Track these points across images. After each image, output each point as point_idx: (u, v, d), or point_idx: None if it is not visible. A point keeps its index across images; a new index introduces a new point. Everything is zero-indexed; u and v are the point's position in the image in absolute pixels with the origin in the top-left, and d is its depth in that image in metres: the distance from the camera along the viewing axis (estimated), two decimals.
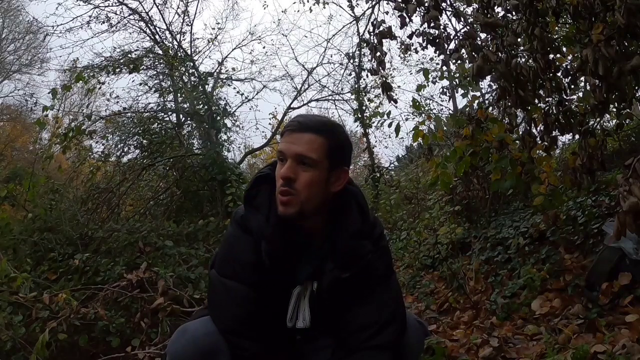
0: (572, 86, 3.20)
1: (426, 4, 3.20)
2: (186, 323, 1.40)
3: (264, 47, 12.07)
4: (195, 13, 10.31)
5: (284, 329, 1.37)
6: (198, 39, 10.49)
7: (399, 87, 9.66)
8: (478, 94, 5.03)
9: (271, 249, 1.32)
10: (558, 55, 3.05)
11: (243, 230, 1.37)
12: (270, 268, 1.32)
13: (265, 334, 1.33)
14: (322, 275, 1.36)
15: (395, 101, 4.12)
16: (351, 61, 9.27)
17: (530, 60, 3.01)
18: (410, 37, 3.89)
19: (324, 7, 9.10)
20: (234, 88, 9.56)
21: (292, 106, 10.22)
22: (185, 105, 7.92)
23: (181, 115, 8.24)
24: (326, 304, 1.37)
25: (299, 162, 1.28)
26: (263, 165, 1.58)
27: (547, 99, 3.14)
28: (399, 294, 1.48)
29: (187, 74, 8.10)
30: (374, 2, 6.68)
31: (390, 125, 4.05)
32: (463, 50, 3.39)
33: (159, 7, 8.53)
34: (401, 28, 3.73)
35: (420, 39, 3.72)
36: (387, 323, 1.35)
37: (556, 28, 3.48)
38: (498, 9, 3.05)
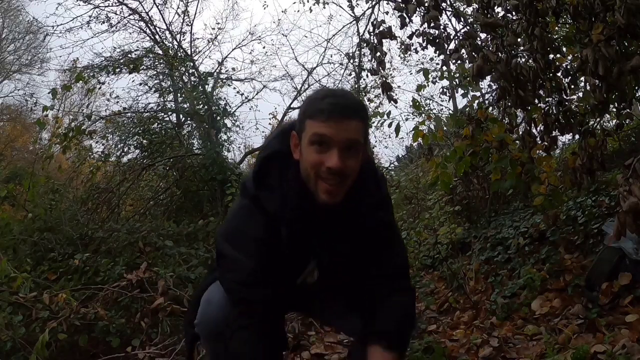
0: (572, 86, 3.20)
1: (426, 4, 3.20)
2: (206, 293, 1.45)
3: (264, 47, 12.02)
4: (195, 13, 10.33)
5: (291, 286, 1.41)
6: (198, 39, 10.51)
7: (399, 87, 9.66)
8: (478, 94, 5.03)
9: (291, 231, 1.31)
10: (558, 55, 3.05)
11: (256, 206, 1.35)
12: (287, 247, 1.32)
13: (273, 291, 1.34)
14: (337, 246, 1.37)
15: (395, 101, 4.12)
16: (351, 61, 9.26)
17: (530, 60, 3.01)
18: (410, 37, 3.90)
19: (324, 7, 9.10)
20: (234, 88, 9.54)
21: (292, 106, 10.22)
22: (185, 105, 7.92)
23: (181, 115, 8.25)
24: (339, 268, 1.41)
25: (347, 149, 1.24)
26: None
27: (547, 99, 3.15)
28: (401, 237, 1.60)
29: (187, 74, 8.11)
30: (374, 2, 6.68)
31: (390, 125, 4.05)
32: (463, 50, 3.39)
33: (159, 7, 8.54)
34: (401, 28, 3.74)
35: (420, 39, 3.72)
36: (404, 266, 1.48)
37: (556, 28, 3.49)
38: (498, 9, 3.05)
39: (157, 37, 8.57)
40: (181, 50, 8.40)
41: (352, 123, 1.24)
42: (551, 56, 2.98)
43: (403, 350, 1.41)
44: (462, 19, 4.19)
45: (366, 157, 1.35)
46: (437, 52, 3.86)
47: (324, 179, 1.24)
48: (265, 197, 1.34)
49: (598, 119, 3.24)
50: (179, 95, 8.21)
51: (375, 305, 1.39)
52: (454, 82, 5.43)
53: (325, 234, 1.36)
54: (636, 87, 3.31)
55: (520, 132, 3.33)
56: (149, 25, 8.58)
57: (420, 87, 6.83)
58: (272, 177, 1.33)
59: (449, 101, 7.82)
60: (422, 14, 3.31)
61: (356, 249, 1.39)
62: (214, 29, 9.93)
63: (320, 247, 1.38)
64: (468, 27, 3.71)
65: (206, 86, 8.06)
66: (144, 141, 7.51)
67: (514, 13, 2.97)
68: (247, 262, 1.32)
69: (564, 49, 3.22)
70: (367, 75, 8.66)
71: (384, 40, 3.78)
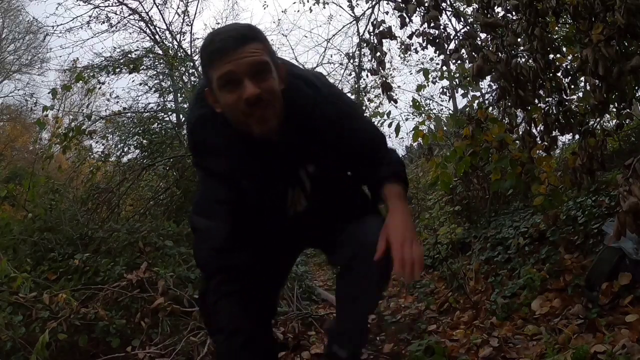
0: (572, 86, 3.20)
1: (426, 4, 3.20)
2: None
3: None
4: (195, 13, 10.38)
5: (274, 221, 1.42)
6: (198, 39, 10.47)
7: (399, 87, 9.71)
8: (478, 94, 5.04)
9: (251, 176, 1.33)
10: (558, 55, 3.05)
11: (206, 173, 1.40)
12: (255, 192, 1.33)
13: (254, 252, 1.33)
14: (306, 165, 1.38)
15: (395, 101, 4.13)
16: (351, 61, 9.28)
17: (530, 60, 3.01)
18: (410, 37, 3.90)
19: (324, 7, 9.12)
20: None
21: None
22: (185, 105, 7.92)
23: (181, 115, 8.23)
24: (324, 181, 1.41)
25: (255, 74, 1.19)
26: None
27: (547, 99, 3.15)
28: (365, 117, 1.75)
29: (187, 74, 8.10)
30: (374, 2, 6.68)
31: (390, 125, 4.05)
32: (463, 50, 3.39)
33: (159, 7, 8.56)
34: (401, 28, 3.75)
35: (420, 39, 3.72)
36: (378, 140, 1.52)
37: (556, 28, 3.49)
38: (498, 9, 3.05)
39: (157, 37, 8.58)
40: (181, 50, 8.41)
41: (247, 48, 1.19)
42: (551, 56, 2.98)
43: (406, 184, 1.49)
44: (462, 19, 4.19)
45: (285, 72, 1.30)
46: (437, 52, 3.86)
47: (249, 114, 1.20)
48: (213, 161, 1.34)
49: (598, 119, 3.24)
50: (179, 95, 8.21)
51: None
52: (454, 82, 5.43)
53: (285, 160, 1.34)
54: (636, 87, 3.31)
55: (520, 132, 3.33)
56: (149, 25, 8.60)
57: (420, 87, 6.86)
58: (209, 139, 1.32)
59: (449, 101, 7.85)
60: (422, 14, 3.31)
61: (328, 155, 1.39)
62: (214, 29, 9.92)
63: (289, 174, 1.38)
64: (468, 27, 3.71)
65: None
66: (144, 141, 7.51)
67: (514, 13, 2.97)
68: (221, 226, 1.31)
69: (564, 49, 3.22)
70: (367, 75, 8.70)
71: (384, 40, 3.78)
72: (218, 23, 12.56)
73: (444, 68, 5.24)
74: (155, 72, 8.36)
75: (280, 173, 1.35)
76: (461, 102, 7.21)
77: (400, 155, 1.59)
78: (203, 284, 1.50)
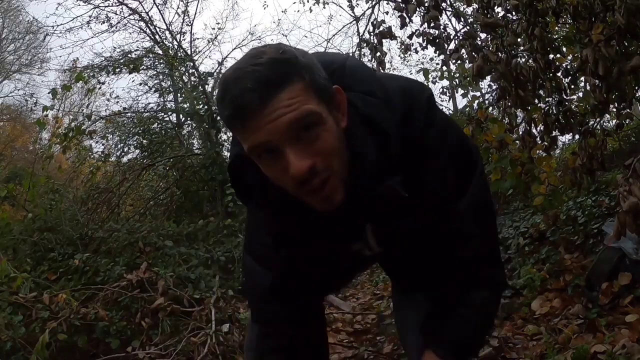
0: (572, 86, 3.21)
1: (426, 4, 3.20)
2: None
3: None
4: (195, 13, 10.37)
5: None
6: (198, 39, 10.56)
7: None
8: (478, 94, 5.04)
9: (299, 249, 1.02)
10: (558, 55, 3.05)
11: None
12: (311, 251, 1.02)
13: (303, 304, 1.10)
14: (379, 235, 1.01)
15: None
16: None
17: (530, 60, 3.01)
18: (410, 37, 3.91)
19: (324, 7, 9.10)
20: None
21: None
22: (185, 105, 7.92)
23: (181, 115, 8.24)
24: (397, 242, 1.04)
25: (299, 135, 0.80)
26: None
27: (547, 99, 3.15)
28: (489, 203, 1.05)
29: (187, 74, 8.10)
30: (374, 2, 6.66)
31: None
32: (463, 50, 3.39)
33: (159, 7, 8.53)
34: (401, 28, 3.75)
35: (420, 39, 3.72)
36: (487, 247, 1.03)
37: (556, 28, 3.49)
38: (498, 9, 3.05)
39: (157, 37, 8.57)
40: (181, 50, 8.40)
41: (278, 101, 0.78)
42: (551, 56, 2.98)
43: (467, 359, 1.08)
44: (462, 19, 4.19)
45: (344, 101, 0.88)
46: (437, 52, 3.85)
47: (304, 193, 0.84)
48: (255, 210, 1.07)
49: (598, 119, 3.24)
50: (179, 95, 8.21)
51: (443, 294, 1.05)
52: (454, 82, 5.44)
53: (349, 222, 0.97)
54: (636, 87, 3.31)
55: (520, 132, 3.33)
56: (149, 25, 8.58)
57: None
58: (252, 191, 0.96)
59: (449, 101, 7.84)
60: (422, 14, 3.31)
61: (410, 226, 0.99)
62: (214, 29, 9.97)
63: (352, 234, 1.02)
64: (468, 27, 3.71)
65: (206, 86, 8.05)
66: (144, 141, 7.52)
67: (514, 13, 2.97)
68: (265, 275, 1.08)
69: (564, 49, 3.22)
70: None
71: (384, 40, 3.79)
72: (218, 23, 12.62)
73: (444, 68, 5.24)
74: (155, 72, 8.37)
75: (341, 236, 1.00)
76: (461, 102, 7.22)
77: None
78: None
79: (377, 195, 0.90)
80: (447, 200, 0.96)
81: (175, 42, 8.58)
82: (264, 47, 0.82)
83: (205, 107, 7.39)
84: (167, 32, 8.64)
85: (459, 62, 3.65)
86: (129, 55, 7.97)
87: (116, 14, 8.44)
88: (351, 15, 9.24)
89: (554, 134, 3.11)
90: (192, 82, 7.93)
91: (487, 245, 1.03)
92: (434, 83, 5.81)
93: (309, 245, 1.01)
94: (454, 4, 4.93)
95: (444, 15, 3.50)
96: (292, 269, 1.06)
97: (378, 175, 0.89)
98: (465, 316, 1.02)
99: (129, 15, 8.52)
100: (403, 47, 5.36)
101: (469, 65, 3.22)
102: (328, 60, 0.92)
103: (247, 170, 0.91)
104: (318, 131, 0.81)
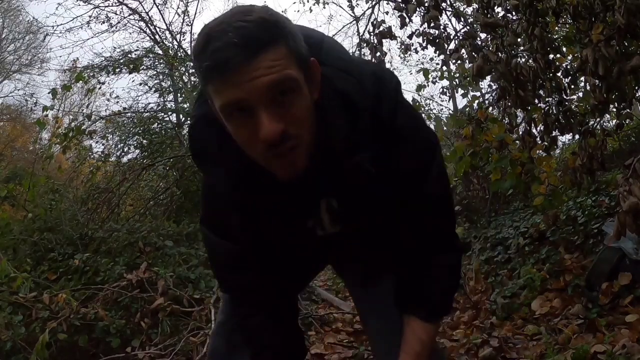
0: (572, 86, 3.21)
1: (426, 4, 3.21)
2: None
3: None
4: (195, 13, 10.39)
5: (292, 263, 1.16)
6: None
7: None
8: (478, 94, 5.05)
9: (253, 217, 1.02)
10: (558, 55, 3.06)
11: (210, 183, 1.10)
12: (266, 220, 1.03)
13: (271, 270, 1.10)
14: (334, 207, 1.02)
15: None
16: None
17: (530, 60, 3.01)
18: (410, 37, 3.92)
19: (324, 7, 9.13)
20: None
21: None
22: (185, 105, 7.92)
23: (181, 115, 8.24)
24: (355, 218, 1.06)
25: (275, 98, 0.79)
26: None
27: (547, 99, 3.15)
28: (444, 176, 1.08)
29: (187, 74, 8.11)
30: (374, 2, 6.67)
31: None
32: (463, 50, 3.39)
33: (159, 7, 8.59)
34: (401, 28, 3.76)
35: (420, 39, 3.73)
36: (446, 214, 1.08)
37: (556, 28, 3.49)
38: (498, 9, 3.05)
39: (157, 37, 8.60)
40: (181, 50, 8.42)
41: (262, 60, 0.76)
42: (551, 56, 2.98)
43: (444, 316, 1.16)
44: (462, 19, 4.20)
45: (319, 70, 0.87)
46: (437, 52, 3.86)
47: (269, 157, 0.83)
48: (210, 175, 1.05)
49: (598, 119, 3.25)
50: (179, 95, 8.22)
51: (411, 266, 1.08)
52: (454, 82, 5.44)
53: (306, 196, 0.97)
54: (636, 87, 3.31)
55: (520, 132, 3.33)
56: (149, 25, 8.61)
57: (420, 87, 6.85)
58: (208, 150, 0.95)
59: (449, 101, 7.86)
60: (422, 14, 3.32)
61: (364, 200, 1.01)
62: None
63: (307, 208, 1.02)
64: (468, 27, 3.71)
65: None
66: (144, 141, 7.52)
67: (514, 13, 2.97)
68: (224, 245, 1.08)
69: (564, 49, 3.23)
70: None
71: (384, 40, 3.79)
72: None
73: (444, 68, 5.25)
74: (155, 72, 8.38)
75: (296, 209, 1.01)
76: (461, 102, 7.22)
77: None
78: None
79: (345, 169, 0.92)
80: (411, 178, 1.00)
81: (175, 42, 8.61)
82: (252, 6, 0.82)
83: None
84: (167, 32, 8.68)
85: (459, 62, 3.66)
86: (129, 55, 8.00)
87: (116, 14, 8.49)
88: (351, 15, 9.28)
89: (554, 134, 3.11)
90: (192, 82, 7.94)
91: (446, 216, 1.09)
92: (434, 83, 5.84)
93: (263, 214, 1.02)
94: (454, 4, 4.93)
95: (444, 15, 3.51)
96: (247, 239, 1.07)
97: (347, 150, 0.91)
98: (436, 277, 1.06)
99: (129, 15, 8.56)
100: (403, 47, 5.37)
101: (469, 65, 3.22)
102: (306, 33, 0.91)
103: (209, 132, 0.92)
104: (293, 98, 0.81)
